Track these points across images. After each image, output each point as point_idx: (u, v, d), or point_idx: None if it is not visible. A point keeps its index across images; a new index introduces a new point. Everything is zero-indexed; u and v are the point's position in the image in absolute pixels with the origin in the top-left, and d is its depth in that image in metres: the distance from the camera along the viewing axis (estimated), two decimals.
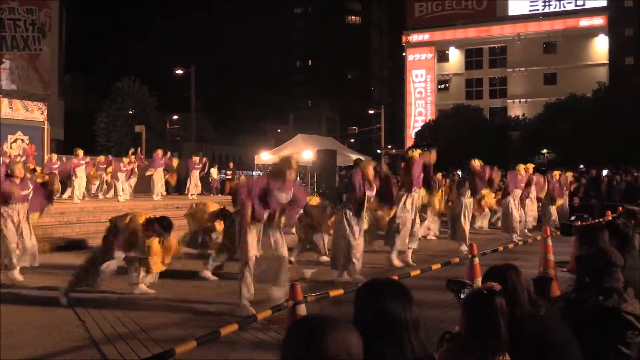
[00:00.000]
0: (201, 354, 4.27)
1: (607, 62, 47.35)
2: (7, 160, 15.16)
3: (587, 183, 20.10)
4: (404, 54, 55.85)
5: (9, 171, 8.79)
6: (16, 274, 8.37)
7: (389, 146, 58.20)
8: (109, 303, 6.96)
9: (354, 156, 32.64)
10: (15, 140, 21.25)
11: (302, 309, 3.85)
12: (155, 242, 7.12)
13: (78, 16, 54.67)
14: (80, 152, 17.91)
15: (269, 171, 7.85)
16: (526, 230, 14.57)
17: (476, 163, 12.25)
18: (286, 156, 7.62)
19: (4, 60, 39.39)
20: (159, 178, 19.37)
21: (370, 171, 8.85)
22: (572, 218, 7.94)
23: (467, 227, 11.92)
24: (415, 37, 54.28)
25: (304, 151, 27.94)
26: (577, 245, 4.03)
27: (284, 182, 6.67)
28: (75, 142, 18.84)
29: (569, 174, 17.42)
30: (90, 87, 60.20)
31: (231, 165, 34.14)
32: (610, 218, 9.91)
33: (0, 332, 5.38)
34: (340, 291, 4.62)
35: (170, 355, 3.14)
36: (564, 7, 48.94)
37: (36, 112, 23.27)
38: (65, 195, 17.83)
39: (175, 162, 20.34)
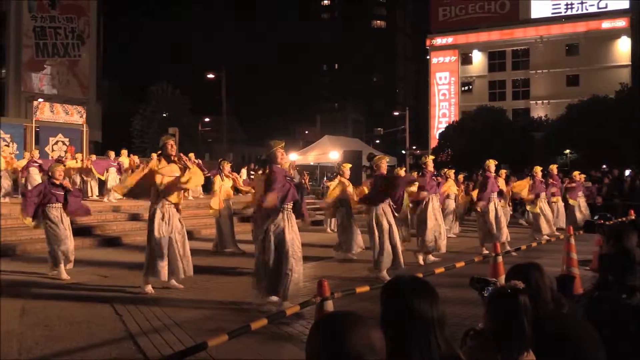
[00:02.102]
0: (232, 347, 4.30)
1: (630, 63, 46.39)
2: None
3: (610, 183, 19.76)
4: (428, 57, 55.50)
5: (49, 173, 8.94)
6: (63, 271, 8.44)
7: (414, 147, 57.94)
8: (145, 298, 7.04)
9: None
10: (56, 142, 21.66)
11: (330, 305, 3.84)
12: None
13: (114, 23, 55.51)
14: (112, 153, 18.11)
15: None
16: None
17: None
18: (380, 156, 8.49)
19: (45, 66, 40.19)
20: None
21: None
22: (596, 217, 7.81)
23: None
24: (439, 41, 53.92)
25: (331, 152, 28.00)
26: (602, 243, 3.96)
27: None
28: (112, 144, 19.05)
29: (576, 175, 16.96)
30: (126, 91, 61.07)
31: (252, 165, 34.17)
32: (634, 217, 9.73)
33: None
34: (367, 288, 4.61)
35: (203, 348, 3.17)
36: (587, 9, 48.11)
37: (75, 116, 23.68)
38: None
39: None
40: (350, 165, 11.49)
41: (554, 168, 14.83)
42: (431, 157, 11.12)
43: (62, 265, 8.39)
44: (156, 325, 5.78)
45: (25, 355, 4.94)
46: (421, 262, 9.95)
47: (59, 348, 5.09)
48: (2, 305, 6.65)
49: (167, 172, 7.57)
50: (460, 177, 16.38)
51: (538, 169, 13.92)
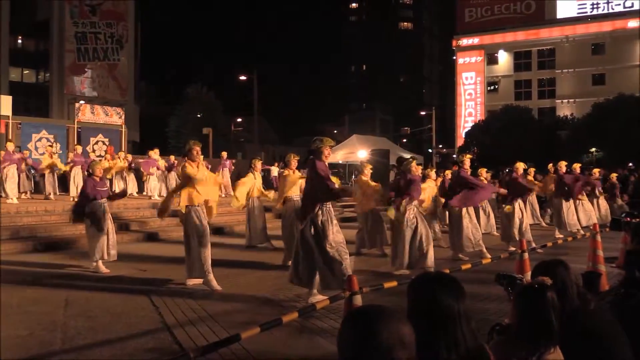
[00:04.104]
0: (264, 339, 4.33)
1: None
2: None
3: (636, 180, 19.35)
4: (454, 58, 55.02)
5: (90, 170, 9.13)
6: (101, 266, 8.58)
7: (440, 146, 57.49)
8: (181, 291, 7.13)
9: (407, 155, 32.49)
10: (96, 142, 22.02)
11: (358, 300, 3.84)
12: None
13: (151, 27, 56.20)
14: (154, 153, 18.34)
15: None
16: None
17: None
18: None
19: (86, 70, 40.95)
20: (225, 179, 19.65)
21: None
22: (622, 214, 7.66)
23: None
24: (465, 41, 53.42)
25: (359, 151, 27.96)
26: (628, 240, 3.87)
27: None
28: (149, 144, 19.27)
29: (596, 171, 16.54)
30: (163, 93, 61.83)
31: (281, 163, 34.15)
32: None
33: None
34: (394, 283, 4.59)
35: (236, 340, 3.20)
36: (612, 9, 47.15)
37: (115, 117, 24.06)
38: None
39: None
40: (370, 166, 11.39)
41: (577, 167, 14.53)
42: (468, 157, 10.87)
43: (101, 260, 8.54)
44: (191, 318, 5.85)
45: (69, 344, 5.05)
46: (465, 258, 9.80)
47: (99, 338, 5.19)
48: (47, 297, 6.81)
49: (201, 177, 7.44)
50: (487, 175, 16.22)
51: (562, 164, 13.72)
